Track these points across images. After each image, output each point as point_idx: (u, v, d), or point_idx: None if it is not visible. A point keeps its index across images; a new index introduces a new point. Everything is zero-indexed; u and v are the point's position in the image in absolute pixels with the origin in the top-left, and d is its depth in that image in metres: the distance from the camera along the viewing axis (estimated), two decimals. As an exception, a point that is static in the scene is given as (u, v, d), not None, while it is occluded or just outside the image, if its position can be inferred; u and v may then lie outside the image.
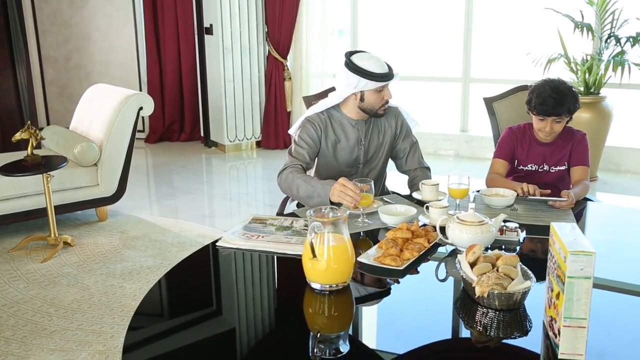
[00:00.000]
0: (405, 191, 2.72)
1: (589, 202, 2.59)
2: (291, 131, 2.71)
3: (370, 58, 2.50)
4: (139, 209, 4.57)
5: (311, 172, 2.67)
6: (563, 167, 2.73)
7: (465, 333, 1.56)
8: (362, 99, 2.52)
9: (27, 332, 2.79)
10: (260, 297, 1.77)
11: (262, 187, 5.35)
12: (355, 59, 2.49)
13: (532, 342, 1.45)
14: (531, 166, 2.75)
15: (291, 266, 1.88)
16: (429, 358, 1.45)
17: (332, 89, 2.72)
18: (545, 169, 2.74)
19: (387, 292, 1.77)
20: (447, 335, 1.59)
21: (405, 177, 2.81)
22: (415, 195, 2.43)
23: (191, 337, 1.52)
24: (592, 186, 4.92)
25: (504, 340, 1.49)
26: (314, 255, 1.59)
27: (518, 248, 1.98)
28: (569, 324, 1.32)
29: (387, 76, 2.48)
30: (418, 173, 2.72)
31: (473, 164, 5.75)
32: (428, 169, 2.77)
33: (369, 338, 1.54)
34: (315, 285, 1.64)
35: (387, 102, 2.56)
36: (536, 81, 2.71)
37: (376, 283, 1.80)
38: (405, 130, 2.72)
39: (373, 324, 1.61)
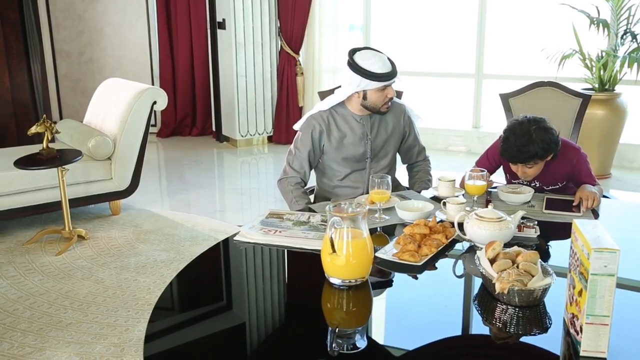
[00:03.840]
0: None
1: (602, 199, 2.55)
2: (296, 126, 2.74)
3: (372, 57, 2.48)
4: (151, 203, 4.59)
5: (312, 174, 2.76)
6: (557, 187, 2.55)
7: (483, 329, 1.55)
8: (364, 97, 2.54)
9: (43, 324, 2.81)
10: (277, 292, 1.78)
11: (273, 182, 5.33)
12: (357, 58, 2.49)
13: (552, 339, 1.44)
14: (522, 181, 2.56)
15: (309, 261, 1.88)
16: (443, 353, 1.45)
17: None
18: (537, 185, 2.55)
19: (390, 284, 1.78)
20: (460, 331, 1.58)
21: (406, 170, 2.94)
22: (431, 191, 2.44)
23: (203, 331, 1.54)
24: (605, 183, 4.90)
25: (524, 337, 1.48)
26: (334, 250, 1.59)
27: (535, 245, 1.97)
28: (591, 321, 1.31)
29: (389, 76, 2.48)
30: (420, 162, 2.86)
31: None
32: (428, 159, 2.90)
33: (384, 333, 1.54)
34: (335, 281, 1.64)
35: (390, 99, 2.57)
36: (512, 120, 2.44)
37: (387, 277, 1.80)
38: (413, 128, 2.79)
39: (388, 319, 1.60)
